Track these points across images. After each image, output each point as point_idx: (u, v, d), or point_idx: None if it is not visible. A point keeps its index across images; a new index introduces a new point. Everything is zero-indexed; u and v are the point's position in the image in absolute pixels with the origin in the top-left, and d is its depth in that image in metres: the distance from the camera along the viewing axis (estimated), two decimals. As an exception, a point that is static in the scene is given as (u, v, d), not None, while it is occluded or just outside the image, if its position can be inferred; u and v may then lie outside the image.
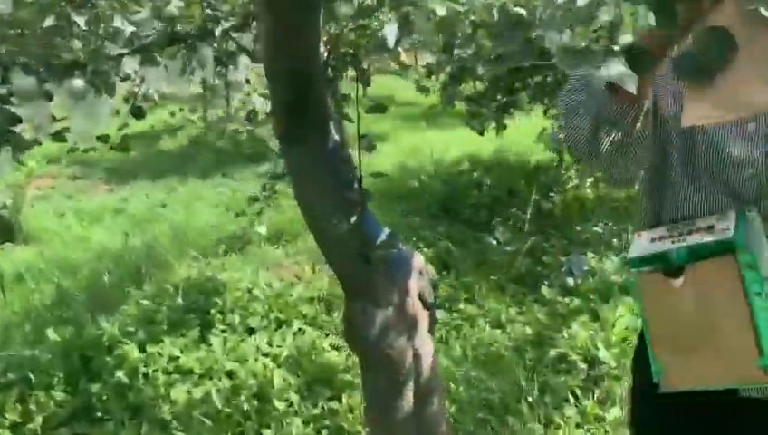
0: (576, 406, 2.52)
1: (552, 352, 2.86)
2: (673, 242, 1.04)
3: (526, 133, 5.93)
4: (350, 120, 1.43)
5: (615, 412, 2.45)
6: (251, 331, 3.26)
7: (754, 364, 0.95)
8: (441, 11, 1.75)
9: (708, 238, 0.99)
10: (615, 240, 4.14)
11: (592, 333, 2.97)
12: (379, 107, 1.35)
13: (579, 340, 2.91)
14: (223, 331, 3.22)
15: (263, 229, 2.71)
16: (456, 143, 6.65)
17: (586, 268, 3.70)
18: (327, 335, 3.27)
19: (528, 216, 3.86)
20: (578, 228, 4.36)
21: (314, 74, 1.33)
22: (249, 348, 3.05)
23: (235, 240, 4.41)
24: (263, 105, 3.90)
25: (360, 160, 1.44)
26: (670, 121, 1.07)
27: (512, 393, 2.61)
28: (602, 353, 2.79)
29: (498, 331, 3.14)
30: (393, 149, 7.13)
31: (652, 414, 1.20)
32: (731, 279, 0.96)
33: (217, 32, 1.50)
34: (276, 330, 3.27)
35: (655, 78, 1.06)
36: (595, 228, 4.32)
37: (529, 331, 3.08)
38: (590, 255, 3.83)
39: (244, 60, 1.98)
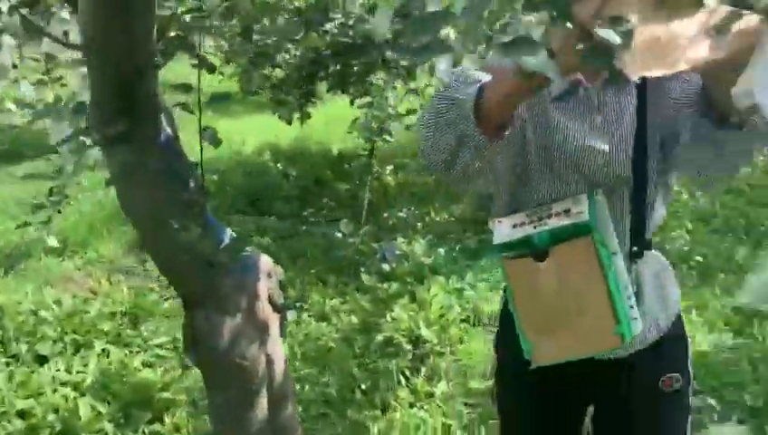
0: (407, 386, 2.61)
1: (379, 337, 2.94)
2: (534, 227, 1.11)
3: (327, 122, 6.00)
4: (190, 111, 1.27)
5: (442, 387, 2.59)
6: (42, 359, 2.81)
7: (612, 332, 1.06)
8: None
9: (566, 222, 1.08)
10: (419, 224, 4.39)
11: (413, 314, 3.11)
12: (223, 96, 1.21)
13: (402, 322, 3.03)
14: (7, 363, 2.73)
15: (52, 241, 2.32)
16: (251, 133, 6.42)
17: (398, 253, 3.86)
18: (137, 353, 2.96)
19: (366, 204, 3.87)
20: (385, 215, 4.53)
21: (146, 61, 1.15)
22: (43, 379, 2.63)
23: (9, 256, 3.77)
24: (34, 94, 3.35)
25: (201, 157, 1.29)
26: (526, 111, 1.13)
27: (347, 384, 2.62)
28: (424, 332, 2.94)
29: (324, 323, 3.14)
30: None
31: (521, 391, 1.28)
32: (589, 258, 1.06)
33: (3, 7, 1.22)
34: (74, 354, 2.87)
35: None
36: (400, 214, 4.53)
37: (354, 319, 3.12)
38: (400, 239, 4.00)
39: (7, 40, 1.66)
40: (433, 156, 1.02)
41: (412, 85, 3.78)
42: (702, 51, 0.71)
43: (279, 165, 5.44)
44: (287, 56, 4.00)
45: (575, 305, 1.08)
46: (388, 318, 3.10)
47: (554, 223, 1.09)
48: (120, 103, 1.19)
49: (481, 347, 2.83)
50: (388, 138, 3.43)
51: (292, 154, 5.79)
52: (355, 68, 3.99)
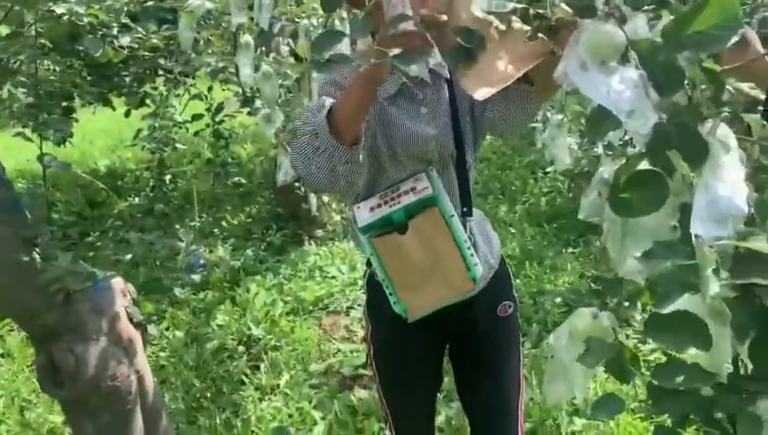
0: (252, 384, 2.65)
1: (209, 346, 2.90)
2: (390, 207, 1.30)
3: (83, 138, 5.51)
4: None
5: (285, 377, 2.69)
6: None
7: (466, 278, 1.30)
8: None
9: (415, 198, 1.29)
10: (216, 229, 4.34)
11: (238, 317, 3.12)
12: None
13: (229, 327, 3.03)
14: None
15: None
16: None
17: (202, 262, 3.79)
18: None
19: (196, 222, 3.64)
20: (177, 226, 4.37)
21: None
22: None
23: None
24: None
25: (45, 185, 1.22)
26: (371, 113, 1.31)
27: (191, 395, 2.57)
28: (255, 331, 2.98)
29: (150, 348, 2.98)
30: None
31: (394, 339, 1.46)
32: (438, 223, 1.29)
33: None
34: None
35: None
36: (195, 223, 4.42)
37: (179, 334, 3.02)
38: (203, 248, 3.92)
39: None
40: (317, 183, 1.17)
41: (193, 91, 3.72)
42: (510, 70, 0.89)
43: (41, 192, 4.86)
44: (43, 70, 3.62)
45: (434, 263, 1.31)
46: (214, 326, 3.08)
47: (405, 201, 1.29)
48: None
49: (311, 333, 2.98)
50: (179, 146, 3.34)
51: (48, 178, 5.20)
52: (126, 78, 3.77)
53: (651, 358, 2.37)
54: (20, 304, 1.36)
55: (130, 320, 1.53)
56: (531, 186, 4.62)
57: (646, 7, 0.62)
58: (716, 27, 0.52)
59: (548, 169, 4.63)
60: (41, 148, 1.13)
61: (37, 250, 1.32)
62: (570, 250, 3.66)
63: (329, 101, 1.18)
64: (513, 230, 3.97)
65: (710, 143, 0.52)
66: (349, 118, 1.11)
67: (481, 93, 0.86)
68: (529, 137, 4.08)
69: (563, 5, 0.73)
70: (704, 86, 0.56)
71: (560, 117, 2.72)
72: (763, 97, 0.60)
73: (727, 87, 0.59)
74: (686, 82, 0.55)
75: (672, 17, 0.57)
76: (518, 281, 3.35)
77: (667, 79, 0.54)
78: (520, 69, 0.85)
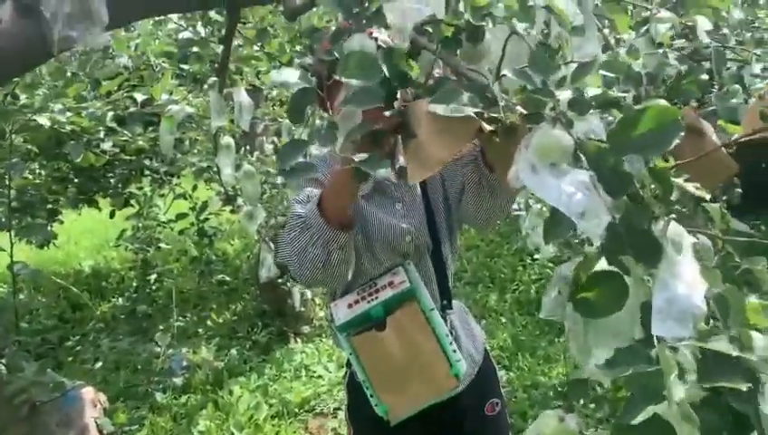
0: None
1: (189, 455, 2.76)
2: (368, 302, 1.28)
3: (67, 239, 5.48)
4: None
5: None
6: None
7: (449, 375, 1.26)
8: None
9: (393, 292, 1.27)
10: (200, 329, 4.25)
11: (220, 423, 2.99)
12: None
13: (211, 434, 2.89)
14: None
15: None
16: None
17: (185, 363, 3.68)
18: None
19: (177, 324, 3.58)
20: (161, 327, 4.28)
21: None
22: None
23: None
24: None
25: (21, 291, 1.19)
26: None
27: None
28: (237, 437, 2.85)
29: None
30: None
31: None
32: (418, 318, 1.27)
33: None
34: None
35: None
36: (178, 323, 4.33)
37: (158, 443, 2.88)
38: (184, 349, 3.81)
39: None
40: (314, 275, 1.17)
41: (178, 190, 3.76)
42: (444, 153, 0.89)
43: (21, 297, 4.77)
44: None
45: (416, 361, 1.26)
46: (196, 433, 2.94)
47: (383, 296, 1.28)
48: None
49: (298, 437, 2.85)
50: (164, 245, 3.33)
51: (28, 281, 5.12)
52: (111, 180, 3.83)
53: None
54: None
55: (100, 432, 1.45)
56: (520, 273, 4.60)
57: (593, 111, 0.63)
58: (657, 129, 0.53)
59: (536, 256, 4.64)
60: (11, 256, 1.11)
61: (2, 361, 1.27)
62: (562, 339, 3.59)
63: (315, 192, 1.20)
64: (503, 320, 3.91)
65: (663, 242, 0.52)
66: (338, 203, 1.13)
67: (415, 177, 0.86)
68: (515, 224, 4.13)
69: (519, 108, 0.75)
70: (653, 186, 0.57)
71: (539, 206, 2.76)
72: (708, 197, 0.61)
73: (677, 186, 0.59)
74: (635, 182, 0.56)
75: (618, 119, 0.59)
76: (511, 374, 3.27)
77: (615, 181, 0.54)
78: (454, 152, 0.86)
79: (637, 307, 0.56)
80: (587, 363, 0.59)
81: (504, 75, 0.74)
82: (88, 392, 1.44)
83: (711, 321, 0.60)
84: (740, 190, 2.70)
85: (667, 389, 0.47)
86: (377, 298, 1.28)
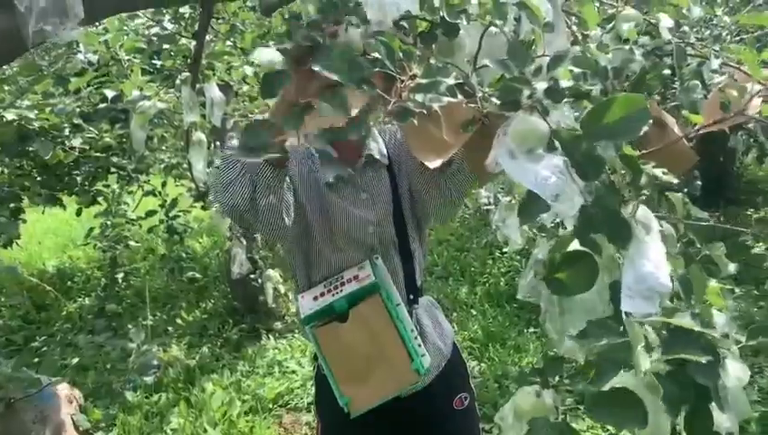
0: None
1: (163, 453, 2.74)
2: (333, 296, 1.30)
3: (29, 239, 5.36)
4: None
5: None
6: None
7: (410, 369, 1.28)
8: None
9: (357, 286, 1.29)
10: (170, 328, 4.21)
11: (193, 420, 2.97)
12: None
13: (184, 431, 2.88)
14: None
15: None
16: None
17: (156, 362, 3.64)
18: None
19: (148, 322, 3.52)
20: (130, 326, 4.22)
21: None
22: None
23: None
24: None
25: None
26: (305, 198, 1.32)
27: None
28: (211, 433, 2.84)
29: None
30: None
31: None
32: (381, 312, 1.28)
33: None
34: None
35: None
36: (147, 322, 4.27)
37: (129, 442, 2.85)
38: (155, 348, 3.78)
39: None
40: (234, 208, 1.16)
41: (147, 187, 3.71)
42: (451, 140, 0.93)
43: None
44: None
45: (377, 354, 1.27)
46: (168, 431, 2.92)
47: (348, 289, 1.29)
48: None
49: (271, 433, 2.85)
50: (133, 243, 3.29)
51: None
52: (78, 178, 3.75)
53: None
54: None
55: (76, 428, 1.44)
56: (489, 266, 4.68)
57: (566, 100, 0.67)
58: (627, 117, 0.57)
59: (505, 250, 4.71)
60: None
61: (-26, 360, 1.25)
62: (531, 330, 3.67)
63: None
64: (474, 312, 3.97)
65: (632, 224, 0.55)
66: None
67: (433, 162, 0.89)
68: (485, 218, 4.18)
69: (494, 99, 0.78)
70: (623, 171, 0.61)
71: (508, 199, 2.81)
72: (675, 182, 0.65)
73: (645, 171, 0.63)
74: (606, 167, 0.59)
75: (590, 108, 0.62)
76: (482, 365, 3.32)
77: (588, 166, 0.57)
78: (458, 140, 0.89)
79: (607, 287, 0.59)
80: (562, 342, 0.62)
81: (480, 67, 0.77)
82: (64, 389, 1.43)
83: (674, 300, 0.64)
84: (700, 183, 2.80)
85: (634, 359, 0.50)
86: (341, 291, 1.29)
